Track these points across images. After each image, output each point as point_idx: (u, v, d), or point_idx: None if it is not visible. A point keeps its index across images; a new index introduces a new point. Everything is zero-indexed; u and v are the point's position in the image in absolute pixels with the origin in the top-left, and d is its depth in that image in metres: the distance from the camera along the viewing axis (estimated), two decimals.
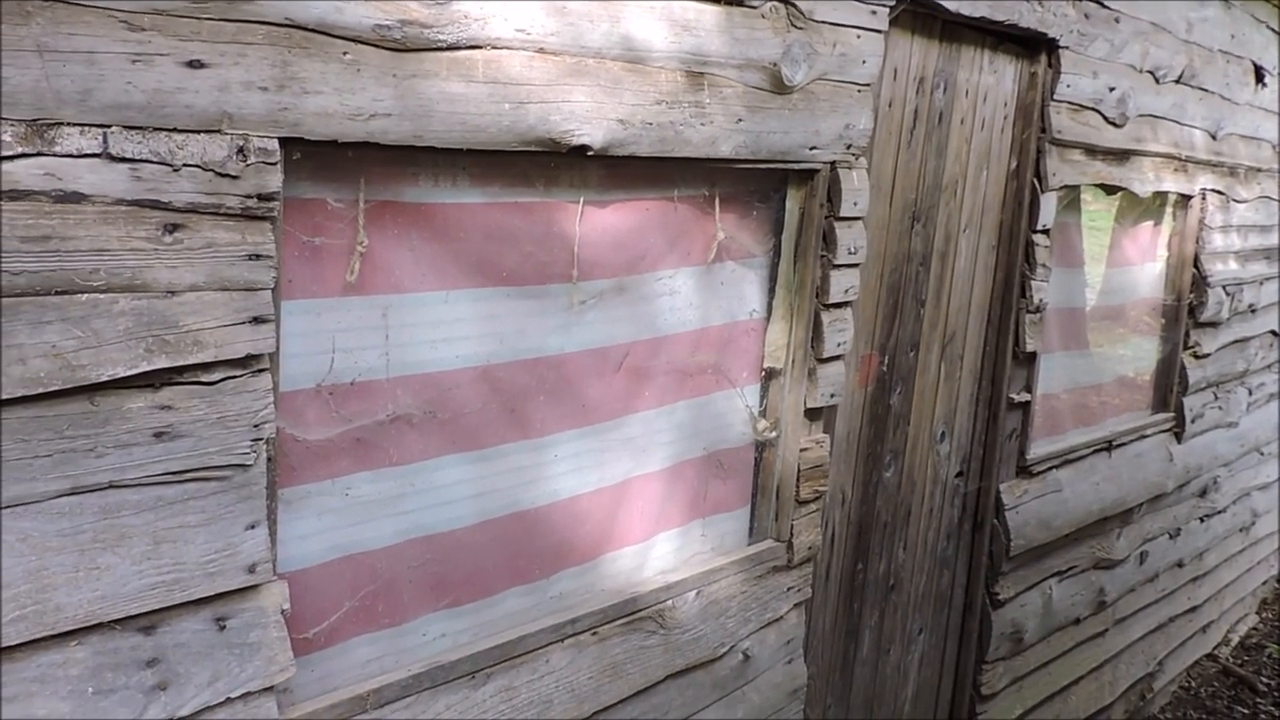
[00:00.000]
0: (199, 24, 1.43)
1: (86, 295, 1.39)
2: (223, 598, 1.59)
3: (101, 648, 1.48)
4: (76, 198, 1.36)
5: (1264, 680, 5.28)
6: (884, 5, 2.51)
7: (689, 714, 2.47)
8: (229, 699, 1.59)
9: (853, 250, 2.57)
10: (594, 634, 2.22)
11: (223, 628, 1.59)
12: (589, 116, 1.93)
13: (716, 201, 2.39)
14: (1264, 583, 6.13)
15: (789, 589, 2.70)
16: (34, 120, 1.32)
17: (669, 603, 2.38)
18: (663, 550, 2.48)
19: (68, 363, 1.38)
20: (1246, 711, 5.00)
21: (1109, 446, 4.08)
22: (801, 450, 2.62)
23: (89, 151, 1.36)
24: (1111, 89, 3.52)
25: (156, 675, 1.52)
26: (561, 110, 1.88)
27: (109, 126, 1.38)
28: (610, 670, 2.25)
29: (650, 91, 2.03)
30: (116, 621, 1.48)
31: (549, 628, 2.13)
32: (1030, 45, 3.21)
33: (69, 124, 1.35)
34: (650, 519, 2.43)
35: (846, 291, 2.59)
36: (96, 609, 1.46)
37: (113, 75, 1.37)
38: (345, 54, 1.59)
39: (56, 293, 1.36)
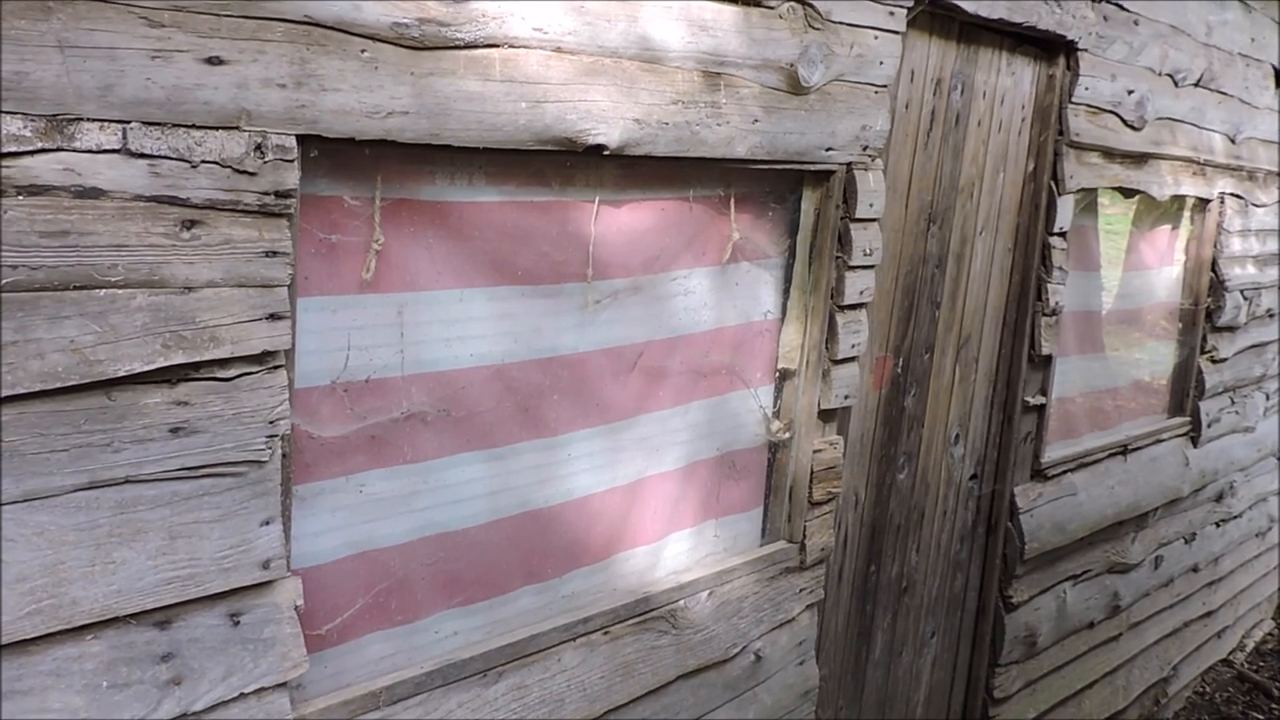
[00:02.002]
0: (218, 21, 1.44)
1: (104, 290, 1.39)
2: (237, 593, 1.59)
3: (116, 642, 1.48)
4: (95, 193, 1.37)
5: (1279, 686, 5.24)
6: (901, 6, 2.51)
7: (700, 714, 2.47)
8: (243, 694, 1.60)
9: (868, 252, 2.56)
10: (606, 633, 2.22)
11: (237, 623, 1.59)
12: (605, 116, 1.93)
13: (732, 202, 2.39)
14: None
15: (801, 590, 2.69)
16: (54, 115, 1.32)
17: (681, 603, 2.38)
18: (675, 550, 2.47)
19: (85, 358, 1.39)
20: (1261, 717, 4.97)
21: (1124, 450, 4.06)
22: (815, 452, 2.62)
23: (108, 147, 1.37)
24: (1130, 92, 3.50)
25: (171, 670, 1.53)
26: (578, 109, 1.88)
27: (128, 122, 1.38)
28: (622, 670, 2.25)
29: (667, 91, 2.03)
30: (132, 616, 1.49)
31: (561, 627, 2.13)
32: (1048, 47, 3.20)
33: (89, 119, 1.35)
34: (663, 519, 2.43)
35: (861, 293, 2.59)
36: (112, 603, 1.46)
37: (132, 71, 1.37)
38: (363, 52, 1.59)
39: (75, 288, 1.37)
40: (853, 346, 2.60)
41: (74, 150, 1.35)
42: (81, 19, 1.33)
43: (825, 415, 2.64)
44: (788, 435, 2.63)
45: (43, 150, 1.32)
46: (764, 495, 2.68)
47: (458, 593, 2.03)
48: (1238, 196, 4.47)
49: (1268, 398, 5.21)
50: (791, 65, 2.26)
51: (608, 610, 2.23)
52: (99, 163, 1.37)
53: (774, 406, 2.64)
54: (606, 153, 1.96)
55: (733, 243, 2.41)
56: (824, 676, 2.90)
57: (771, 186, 2.48)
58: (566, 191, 2.05)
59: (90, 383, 1.40)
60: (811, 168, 2.42)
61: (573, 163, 2.03)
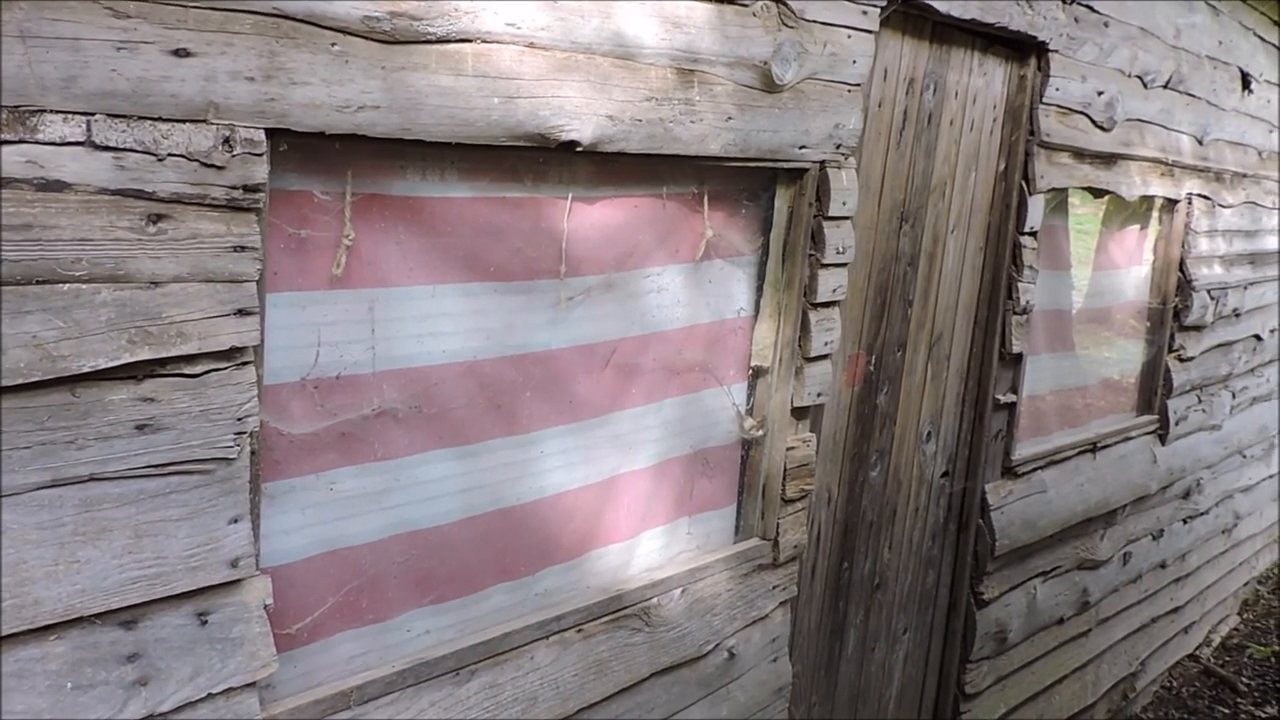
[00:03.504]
0: (185, 12, 1.42)
1: (68, 285, 1.37)
2: (205, 592, 1.57)
3: (81, 642, 1.46)
4: (59, 186, 1.35)
5: (1245, 681, 5.31)
6: (875, 6, 2.51)
7: (674, 712, 2.47)
8: (210, 695, 1.58)
9: (841, 250, 2.57)
10: (579, 631, 2.22)
11: (204, 623, 1.58)
12: (578, 112, 1.92)
13: (705, 199, 2.38)
14: (1245, 584, 6.17)
15: (774, 587, 2.70)
16: (16, 107, 1.30)
17: (654, 600, 2.37)
18: (649, 547, 2.47)
19: (48, 353, 1.36)
20: (1227, 711, 5.03)
21: (1094, 448, 4.09)
22: (788, 449, 2.62)
23: (72, 139, 1.35)
24: (1100, 93, 3.53)
25: (137, 670, 1.51)
26: (551, 105, 1.87)
27: (93, 114, 1.36)
28: (595, 667, 2.25)
29: (640, 88, 2.03)
30: (96, 616, 1.47)
31: (534, 625, 2.13)
32: (1020, 48, 3.22)
33: (52, 111, 1.33)
34: (636, 516, 2.42)
35: (834, 291, 2.59)
36: (76, 603, 1.44)
37: (97, 62, 1.35)
38: (333, 45, 1.57)
39: (38, 282, 1.35)
40: (826, 344, 2.61)
41: (37, 142, 1.32)
42: (44, 9, 1.31)
43: (798, 412, 2.64)
44: (761, 432, 2.63)
45: (4, 142, 1.30)
46: (737, 492, 2.69)
47: (430, 591, 2.02)
48: (1205, 197, 4.53)
49: (1234, 396, 5.28)
50: (765, 63, 2.26)
51: (581, 608, 2.22)
52: (63, 155, 1.34)
53: (747, 404, 2.64)
54: (580, 149, 1.95)
55: (706, 240, 2.41)
56: (797, 673, 2.90)
57: (745, 184, 2.48)
58: (539, 188, 2.05)
59: (54, 379, 1.38)
60: (785, 166, 2.42)
61: (546, 159, 2.02)
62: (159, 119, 1.42)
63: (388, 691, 1.88)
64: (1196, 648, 5.53)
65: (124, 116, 1.39)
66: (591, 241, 2.16)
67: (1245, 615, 6.10)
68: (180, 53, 1.42)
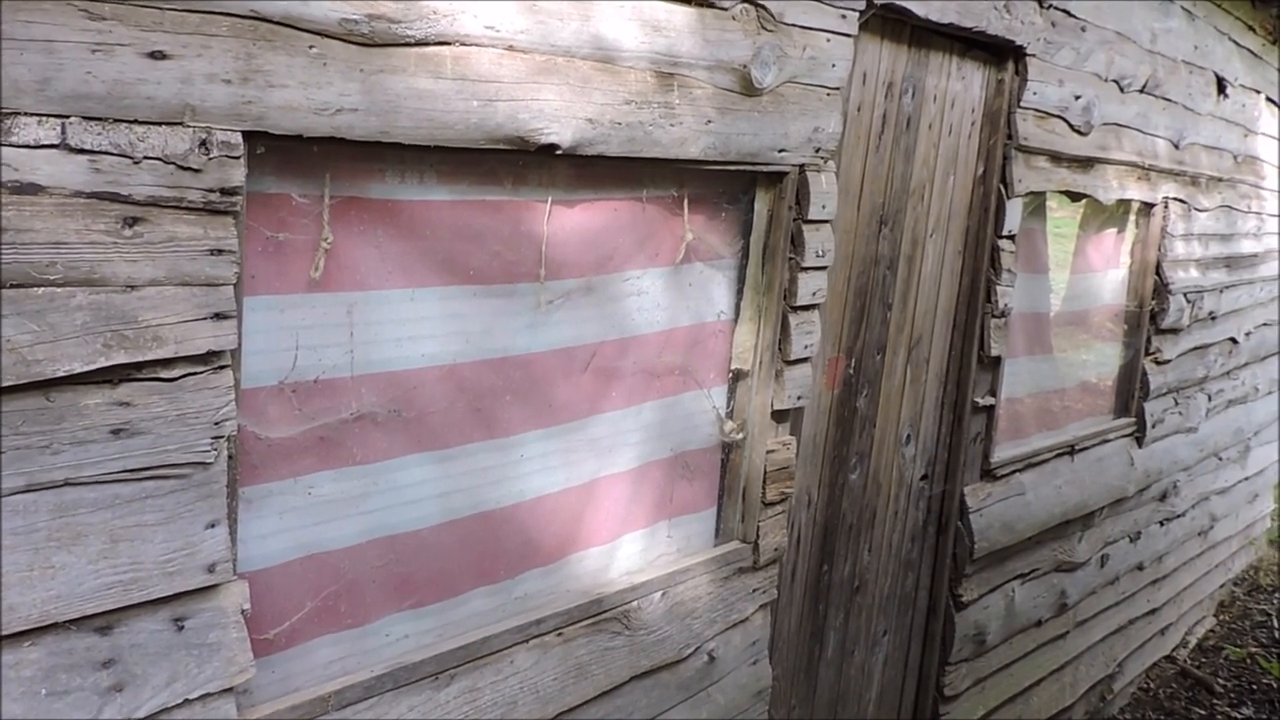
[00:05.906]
0: (161, 14, 1.41)
1: (43, 289, 1.36)
2: (181, 598, 1.56)
3: (56, 648, 1.45)
4: (33, 189, 1.34)
5: (1221, 682, 5.36)
6: (853, 10, 2.52)
7: (654, 715, 2.47)
8: (187, 700, 1.57)
9: (820, 253, 2.58)
10: (559, 635, 2.21)
11: (181, 628, 1.57)
12: (558, 115, 1.92)
13: (685, 202, 2.39)
14: (1222, 586, 6.22)
15: (755, 590, 2.70)
16: None
17: (634, 604, 2.37)
18: (629, 551, 2.47)
19: (23, 358, 1.35)
20: (1204, 713, 5.07)
21: (1071, 451, 4.12)
22: (768, 452, 2.63)
23: (47, 142, 1.34)
24: (1077, 97, 3.56)
25: (112, 676, 1.50)
26: (530, 108, 1.87)
27: (68, 117, 1.35)
28: (575, 671, 2.24)
29: (620, 91, 2.03)
30: (71, 622, 1.46)
31: (514, 628, 2.12)
32: (998, 52, 3.24)
33: (26, 114, 1.32)
34: (616, 520, 2.42)
35: (814, 294, 2.60)
36: (51, 609, 1.43)
37: (72, 65, 1.34)
38: (311, 48, 1.57)
39: (11, 286, 1.34)
40: (805, 347, 2.62)
41: (10, 145, 1.31)
42: (18, 11, 1.30)
43: (778, 416, 2.65)
44: (741, 436, 2.64)
45: None
46: (717, 496, 2.69)
47: (409, 595, 2.02)
48: (1181, 201, 4.57)
49: (1210, 399, 5.32)
50: (744, 66, 2.26)
51: (561, 611, 2.22)
52: (37, 158, 1.34)
53: (727, 407, 2.65)
54: (559, 152, 1.95)
55: (686, 243, 2.41)
56: (777, 676, 2.91)
57: (725, 187, 2.49)
58: (519, 191, 2.04)
59: (28, 383, 1.37)
60: (764, 169, 2.43)
61: (525, 162, 2.02)
62: (135, 121, 1.41)
63: (366, 696, 1.87)
64: (1173, 649, 5.57)
65: (99, 119, 1.38)
66: (571, 245, 2.16)
67: (1221, 617, 6.15)
68: (156, 55, 1.41)
